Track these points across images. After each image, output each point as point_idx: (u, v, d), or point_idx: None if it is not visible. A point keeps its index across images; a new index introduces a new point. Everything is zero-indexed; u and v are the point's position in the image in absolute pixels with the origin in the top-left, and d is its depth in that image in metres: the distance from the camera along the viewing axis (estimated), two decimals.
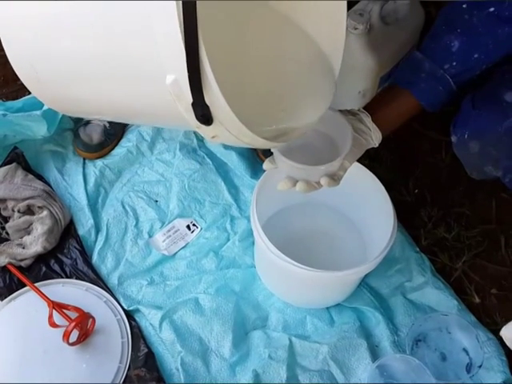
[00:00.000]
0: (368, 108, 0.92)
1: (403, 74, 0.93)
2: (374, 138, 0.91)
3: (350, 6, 1.17)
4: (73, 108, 0.87)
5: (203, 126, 0.65)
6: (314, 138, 0.88)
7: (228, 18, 0.83)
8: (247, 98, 0.77)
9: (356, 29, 1.11)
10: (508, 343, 0.93)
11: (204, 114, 0.63)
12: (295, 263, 0.94)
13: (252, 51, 0.85)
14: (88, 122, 1.29)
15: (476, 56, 0.86)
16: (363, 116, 0.91)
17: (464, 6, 0.85)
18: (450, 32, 0.86)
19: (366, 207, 1.10)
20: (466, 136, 0.88)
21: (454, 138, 0.91)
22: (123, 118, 0.96)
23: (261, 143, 0.71)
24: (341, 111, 0.91)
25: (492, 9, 0.82)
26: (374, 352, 1.06)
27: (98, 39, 0.66)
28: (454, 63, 0.87)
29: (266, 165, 0.91)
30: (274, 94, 0.84)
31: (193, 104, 0.62)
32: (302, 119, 0.82)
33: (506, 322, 1.08)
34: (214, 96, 0.61)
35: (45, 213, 1.15)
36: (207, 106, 0.62)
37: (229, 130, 0.66)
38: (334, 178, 0.87)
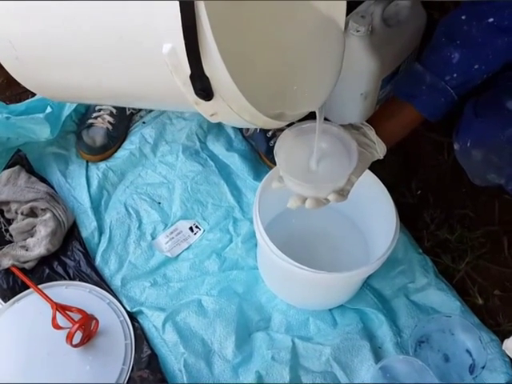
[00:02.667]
0: (371, 121, 0.93)
1: (404, 86, 0.93)
2: (379, 150, 0.92)
3: (351, 8, 1.18)
4: (61, 91, 0.82)
5: (202, 102, 0.61)
6: (320, 155, 0.88)
7: None
8: (252, 77, 0.73)
9: (358, 31, 1.11)
10: (511, 354, 0.94)
11: (204, 88, 0.59)
12: (298, 265, 0.94)
13: (257, 26, 0.81)
14: (91, 125, 1.29)
15: (476, 67, 0.86)
16: (367, 129, 0.91)
17: (463, 17, 0.85)
18: (450, 44, 0.86)
19: (369, 209, 1.10)
20: (468, 144, 0.88)
21: (456, 146, 0.92)
22: (114, 99, 0.89)
23: (262, 121, 0.68)
24: (344, 126, 0.91)
25: (491, 19, 0.83)
26: (377, 353, 1.06)
27: (86, 10, 0.61)
28: (455, 75, 0.87)
29: (275, 184, 0.91)
30: (282, 73, 0.81)
31: (191, 76, 0.58)
32: (310, 99, 0.80)
33: (509, 323, 1.08)
34: (215, 66, 0.56)
35: (48, 215, 1.15)
36: (207, 78, 0.58)
37: (230, 106, 0.62)
38: (342, 194, 0.88)
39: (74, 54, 0.68)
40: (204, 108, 0.63)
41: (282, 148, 0.89)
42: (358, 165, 0.88)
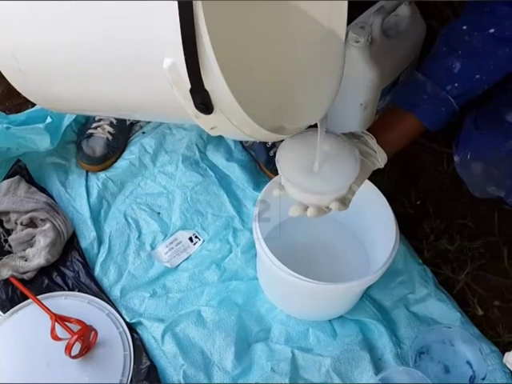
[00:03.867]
0: (371, 130, 0.93)
1: (405, 95, 0.93)
2: (380, 159, 0.92)
3: (351, 19, 1.18)
4: (63, 103, 0.82)
5: (202, 116, 0.61)
6: (321, 163, 0.88)
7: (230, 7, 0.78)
8: (252, 90, 0.73)
9: (358, 42, 1.11)
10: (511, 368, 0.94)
11: (204, 102, 0.59)
12: (297, 275, 0.94)
13: (257, 40, 0.81)
14: (91, 135, 1.30)
15: (478, 77, 0.87)
16: (368, 138, 0.91)
17: (464, 27, 0.85)
18: (451, 53, 0.87)
19: (368, 219, 1.10)
20: (468, 156, 0.88)
21: (456, 158, 0.92)
22: (115, 111, 0.90)
23: (263, 135, 0.68)
24: (345, 134, 0.91)
25: (492, 30, 0.83)
26: (377, 364, 1.06)
27: (87, 24, 0.61)
28: (456, 84, 0.88)
29: (276, 192, 0.92)
30: (283, 86, 0.81)
31: (191, 90, 0.58)
32: (311, 112, 0.80)
33: (509, 334, 1.08)
34: (214, 81, 0.56)
35: (47, 225, 1.15)
36: (207, 93, 0.58)
37: (230, 120, 0.62)
38: (344, 202, 0.88)
39: (75, 68, 0.68)
40: (204, 121, 0.64)
41: (284, 156, 0.89)
42: (360, 174, 0.88)
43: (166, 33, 0.55)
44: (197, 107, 0.60)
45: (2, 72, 0.77)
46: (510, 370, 1.03)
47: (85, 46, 0.64)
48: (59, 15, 0.63)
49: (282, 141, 1.22)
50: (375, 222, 1.07)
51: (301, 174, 0.87)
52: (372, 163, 0.92)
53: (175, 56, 0.56)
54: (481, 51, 0.85)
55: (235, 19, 0.74)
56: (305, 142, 0.89)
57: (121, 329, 1.08)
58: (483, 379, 1.01)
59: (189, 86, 0.58)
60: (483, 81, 0.87)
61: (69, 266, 1.16)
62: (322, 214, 0.88)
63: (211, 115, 0.61)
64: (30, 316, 1.08)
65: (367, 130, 0.94)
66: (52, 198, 1.24)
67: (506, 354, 0.99)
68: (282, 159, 0.88)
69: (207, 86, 0.58)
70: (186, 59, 0.55)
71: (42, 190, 1.25)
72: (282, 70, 0.81)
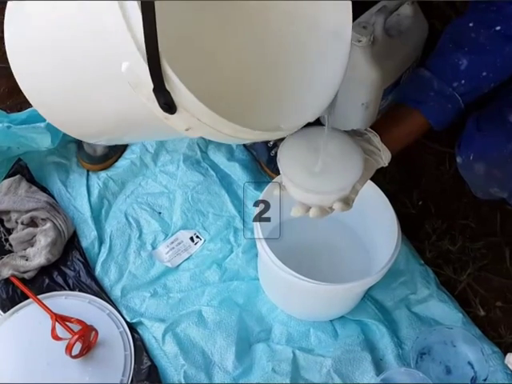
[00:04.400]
0: (376, 127, 0.90)
1: (411, 92, 0.91)
2: (384, 157, 0.89)
3: (353, 18, 1.18)
4: (76, 129, 0.85)
5: (171, 117, 0.62)
6: (324, 162, 0.85)
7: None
8: (229, 89, 0.74)
9: (360, 41, 1.11)
10: None
11: (166, 101, 0.60)
12: (298, 275, 0.94)
13: (234, 39, 0.82)
14: None
15: (484, 74, 0.85)
16: (371, 136, 0.89)
17: (470, 24, 0.84)
18: (458, 50, 0.85)
19: (370, 219, 1.10)
20: (471, 158, 0.87)
21: (459, 159, 0.91)
22: (111, 138, 0.92)
23: (250, 135, 0.67)
24: (347, 132, 0.89)
25: (498, 27, 0.82)
26: (379, 365, 1.05)
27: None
28: (463, 81, 0.86)
29: (277, 192, 0.89)
30: (271, 85, 0.80)
31: (154, 91, 0.59)
32: (307, 112, 0.78)
33: (511, 334, 1.08)
34: (171, 79, 0.58)
35: (48, 225, 1.15)
36: (168, 92, 0.59)
37: (200, 119, 0.62)
38: (347, 202, 0.86)
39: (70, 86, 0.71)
40: (175, 123, 0.64)
41: (285, 154, 0.86)
42: (363, 173, 0.85)
43: (119, 36, 0.56)
44: (162, 108, 0.60)
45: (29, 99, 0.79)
46: (511, 370, 1.03)
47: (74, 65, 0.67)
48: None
49: (283, 139, 1.22)
50: (377, 222, 1.07)
51: (303, 174, 0.85)
52: (376, 161, 0.89)
53: (132, 58, 0.57)
54: (488, 48, 0.84)
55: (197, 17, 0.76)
56: (307, 140, 0.87)
57: (121, 329, 1.08)
58: (485, 380, 1.01)
59: (150, 86, 0.58)
60: (490, 78, 0.86)
61: (69, 266, 1.16)
62: (324, 214, 0.86)
63: (178, 115, 0.62)
64: (30, 316, 1.08)
65: (371, 127, 0.91)
66: (53, 197, 1.24)
67: (508, 354, 0.99)
68: (284, 158, 0.86)
69: (168, 86, 0.59)
70: (148, 59, 0.56)
71: (43, 189, 1.25)
72: (267, 68, 0.81)
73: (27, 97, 0.78)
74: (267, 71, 0.84)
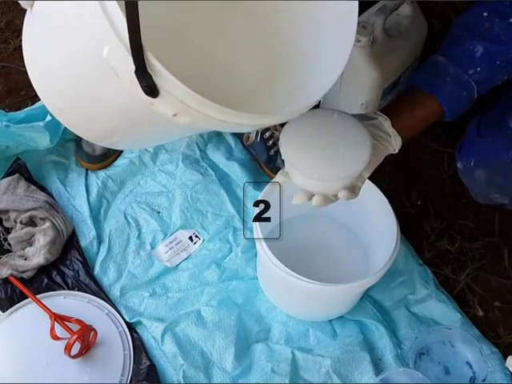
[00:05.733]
0: (386, 112, 0.86)
1: (426, 77, 0.87)
2: (394, 143, 0.85)
3: None
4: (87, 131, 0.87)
5: (156, 102, 0.62)
6: (329, 147, 0.81)
7: None
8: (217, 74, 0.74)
9: (359, 41, 1.11)
10: None
11: (148, 84, 0.59)
12: (298, 276, 0.94)
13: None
14: None
15: (498, 63, 0.83)
16: (382, 120, 0.84)
17: (485, 14, 0.82)
18: (473, 38, 0.83)
19: (369, 219, 1.10)
20: (472, 163, 0.87)
21: (459, 165, 0.91)
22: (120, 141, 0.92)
23: (241, 119, 0.65)
24: (356, 116, 0.85)
25: (511, 19, 0.81)
26: (377, 365, 1.05)
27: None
28: (479, 69, 0.84)
29: (279, 178, 0.85)
30: (265, 69, 0.81)
31: (136, 73, 0.59)
32: (306, 95, 0.76)
33: (510, 335, 1.08)
34: (150, 61, 0.58)
35: (47, 224, 1.15)
36: (149, 74, 0.59)
37: (182, 101, 0.62)
38: (353, 191, 0.82)
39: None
40: (161, 108, 0.63)
41: (288, 139, 0.81)
42: (371, 159, 0.80)
43: (98, 20, 0.57)
44: (144, 91, 0.60)
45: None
46: (509, 370, 1.03)
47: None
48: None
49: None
50: (376, 222, 1.07)
51: (306, 159, 0.80)
52: (385, 148, 0.84)
53: (112, 42, 0.57)
54: (502, 38, 0.82)
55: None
56: (311, 124, 0.82)
57: (120, 328, 1.08)
58: (483, 380, 1.01)
59: (131, 69, 0.58)
60: (504, 68, 0.84)
61: (68, 265, 1.15)
62: (328, 202, 0.82)
63: (163, 99, 0.61)
64: (29, 315, 1.08)
65: (381, 110, 0.86)
66: (51, 196, 1.24)
67: (510, 357, 0.99)
68: (286, 142, 0.81)
69: (148, 68, 0.59)
70: (130, 41, 0.56)
71: (42, 188, 1.24)
72: (269, 51, 0.81)
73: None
74: (269, 53, 0.84)
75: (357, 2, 0.77)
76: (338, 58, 0.77)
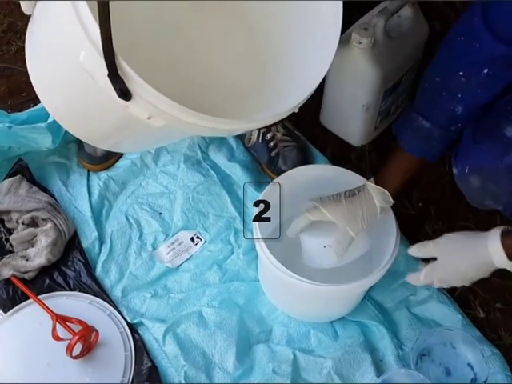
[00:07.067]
0: (384, 179, 0.99)
1: (415, 143, 0.95)
2: (381, 203, 0.98)
3: (354, 20, 1.18)
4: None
5: (131, 105, 0.64)
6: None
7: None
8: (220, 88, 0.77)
9: (360, 43, 1.11)
10: None
11: (121, 88, 0.62)
12: (296, 276, 0.95)
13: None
14: None
15: (478, 112, 0.89)
16: (379, 195, 0.98)
17: (461, 73, 0.85)
18: (452, 98, 0.88)
19: None
20: (466, 170, 0.88)
21: (455, 171, 0.92)
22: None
23: (214, 123, 0.69)
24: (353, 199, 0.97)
25: (486, 70, 0.83)
26: (379, 366, 1.05)
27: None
28: (460, 124, 0.90)
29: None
30: (239, 75, 0.85)
31: (109, 77, 0.61)
32: (285, 101, 0.79)
33: (511, 336, 1.08)
34: (122, 66, 0.61)
35: (49, 225, 1.15)
36: (121, 78, 0.62)
37: (153, 104, 0.64)
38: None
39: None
40: (135, 111, 0.66)
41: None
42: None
43: (74, 26, 0.60)
44: (117, 94, 0.63)
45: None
46: (511, 371, 1.04)
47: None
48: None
49: (284, 141, 1.23)
50: (376, 223, 1.07)
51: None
52: (375, 218, 0.99)
53: (87, 46, 0.60)
54: (479, 92, 0.86)
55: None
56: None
57: (122, 329, 1.08)
58: (484, 382, 1.01)
59: (105, 73, 0.61)
60: (483, 107, 0.88)
61: (70, 266, 1.16)
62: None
63: (136, 103, 0.64)
64: (31, 316, 1.08)
65: (378, 176, 0.99)
66: (53, 197, 1.24)
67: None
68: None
69: (120, 72, 0.62)
70: (102, 46, 0.59)
71: (44, 189, 1.25)
72: (251, 57, 0.85)
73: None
74: (250, 60, 0.85)
75: (341, 12, 0.80)
76: (318, 68, 0.80)
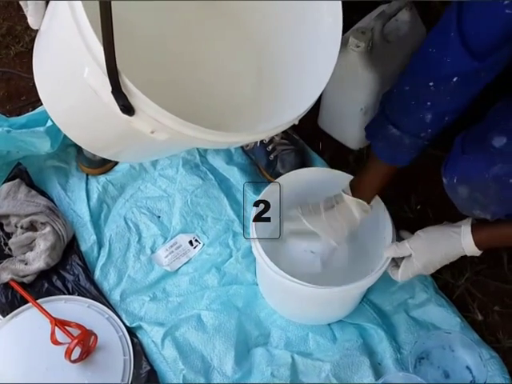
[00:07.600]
0: (361, 188, 1.02)
1: (387, 151, 0.97)
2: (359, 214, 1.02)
3: (352, 23, 1.19)
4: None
5: (134, 120, 0.65)
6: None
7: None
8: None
9: (358, 47, 1.12)
10: None
11: (124, 103, 0.63)
12: (294, 279, 0.95)
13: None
14: None
15: (447, 118, 0.89)
16: (359, 207, 1.01)
17: (431, 84, 0.86)
18: (422, 107, 0.88)
19: (367, 223, 1.10)
20: (455, 180, 0.89)
21: (444, 180, 0.94)
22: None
23: (214, 136, 0.70)
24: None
25: (455, 78, 0.83)
26: (377, 370, 1.05)
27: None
28: (429, 130, 0.91)
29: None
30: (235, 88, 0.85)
31: (113, 93, 0.62)
32: (284, 113, 0.80)
33: (509, 339, 1.08)
34: (125, 83, 0.62)
35: (48, 229, 1.15)
36: (124, 94, 0.63)
37: (156, 119, 0.65)
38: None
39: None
40: (139, 125, 0.66)
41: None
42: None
43: (80, 45, 0.61)
44: (121, 109, 0.64)
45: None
46: (509, 373, 1.03)
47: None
48: None
49: (282, 144, 1.23)
50: (373, 226, 1.07)
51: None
52: (355, 227, 1.04)
53: (90, 63, 0.61)
54: (449, 99, 0.86)
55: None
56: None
57: (121, 333, 1.08)
58: None
59: (108, 90, 0.62)
60: (454, 118, 0.90)
61: (69, 270, 1.16)
62: None
63: (139, 117, 0.65)
64: (29, 320, 1.08)
65: (355, 183, 1.02)
66: (52, 201, 1.24)
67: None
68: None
69: (124, 90, 0.62)
70: (106, 63, 0.60)
71: (42, 193, 1.25)
72: (249, 69, 0.86)
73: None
74: (248, 72, 0.86)
75: (341, 20, 0.81)
76: (318, 82, 0.81)
